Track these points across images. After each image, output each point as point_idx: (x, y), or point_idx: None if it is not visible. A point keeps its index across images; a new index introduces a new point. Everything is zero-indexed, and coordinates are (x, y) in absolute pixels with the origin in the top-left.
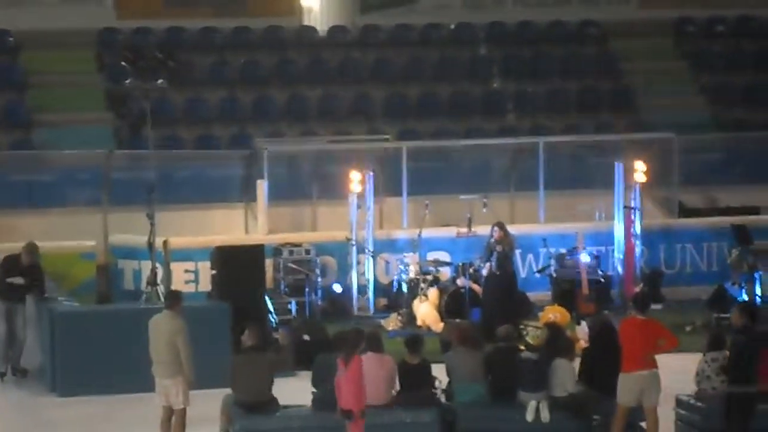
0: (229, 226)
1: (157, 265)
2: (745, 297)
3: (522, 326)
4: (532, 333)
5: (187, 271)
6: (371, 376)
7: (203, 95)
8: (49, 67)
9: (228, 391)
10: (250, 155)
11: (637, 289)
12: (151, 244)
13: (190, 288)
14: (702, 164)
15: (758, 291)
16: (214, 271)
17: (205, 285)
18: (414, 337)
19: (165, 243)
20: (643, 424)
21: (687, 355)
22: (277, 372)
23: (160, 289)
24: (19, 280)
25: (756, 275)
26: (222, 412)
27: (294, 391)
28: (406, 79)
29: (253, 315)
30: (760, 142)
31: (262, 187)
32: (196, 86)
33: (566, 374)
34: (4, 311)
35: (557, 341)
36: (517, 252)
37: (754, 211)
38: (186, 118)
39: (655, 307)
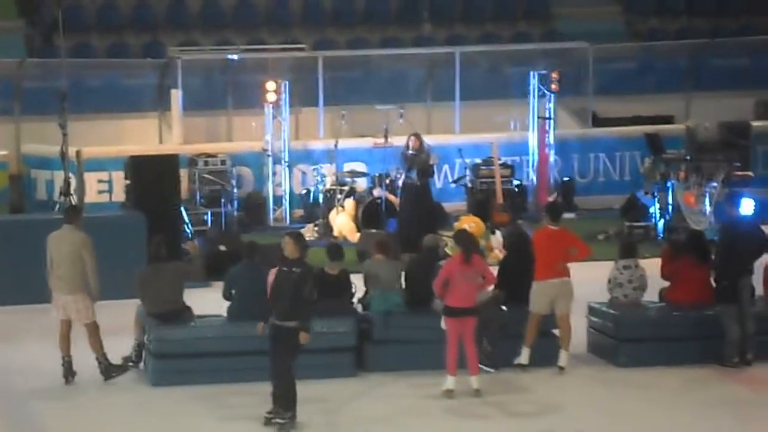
0: (143, 135)
1: (70, 175)
2: (658, 205)
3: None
4: (450, 243)
5: (100, 180)
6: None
7: (116, 2)
8: None
9: None
10: (163, 64)
11: (551, 199)
12: (63, 154)
13: (103, 198)
14: (615, 74)
15: (670, 200)
16: (128, 181)
17: (119, 195)
18: (335, 246)
19: (78, 153)
20: (556, 332)
21: (600, 263)
22: (187, 282)
23: (73, 199)
24: None
25: (668, 184)
26: (135, 322)
27: (209, 301)
28: None
29: (168, 225)
30: (674, 51)
31: (176, 96)
32: None
33: None
34: None
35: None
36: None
37: (667, 120)
38: (98, 26)
39: (568, 216)
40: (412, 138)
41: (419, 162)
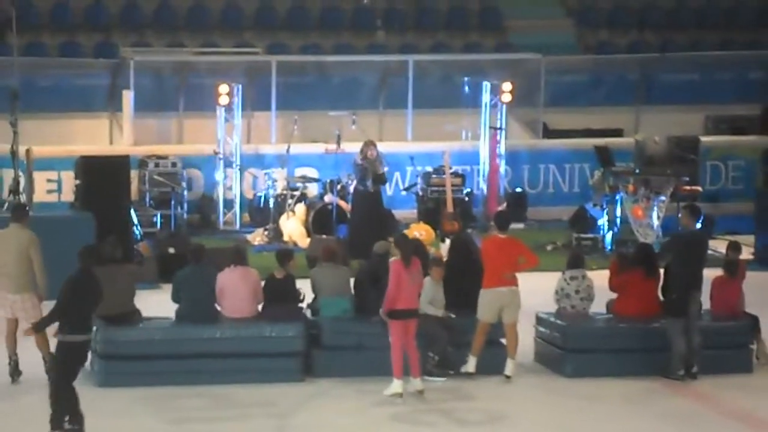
0: (94, 136)
1: (20, 173)
2: (606, 218)
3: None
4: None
5: (49, 180)
6: (235, 289)
7: (69, 2)
8: None
9: None
10: (116, 64)
11: (500, 208)
12: (13, 152)
13: (52, 198)
14: (567, 86)
15: (618, 212)
16: (78, 181)
17: (68, 195)
18: (283, 251)
19: (28, 151)
20: (503, 341)
21: (547, 273)
22: (139, 283)
23: (22, 198)
24: None
25: (617, 197)
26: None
27: (159, 303)
28: None
29: (117, 227)
30: (624, 64)
31: (128, 97)
32: None
33: (437, 292)
34: None
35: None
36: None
37: (617, 133)
38: (51, 25)
39: (517, 226)
40: (371, 147)
41: (373, 171)
